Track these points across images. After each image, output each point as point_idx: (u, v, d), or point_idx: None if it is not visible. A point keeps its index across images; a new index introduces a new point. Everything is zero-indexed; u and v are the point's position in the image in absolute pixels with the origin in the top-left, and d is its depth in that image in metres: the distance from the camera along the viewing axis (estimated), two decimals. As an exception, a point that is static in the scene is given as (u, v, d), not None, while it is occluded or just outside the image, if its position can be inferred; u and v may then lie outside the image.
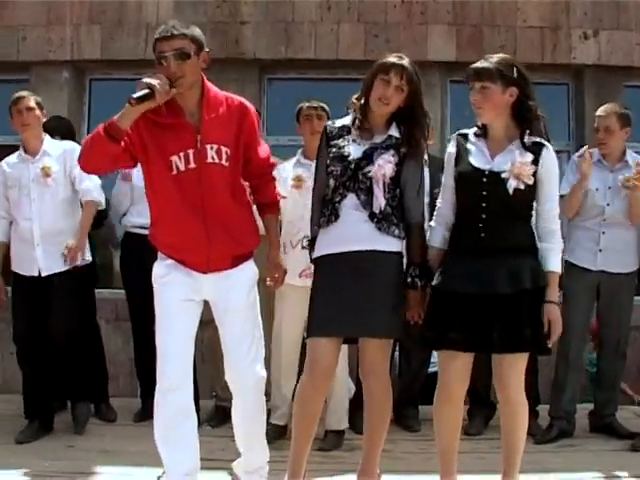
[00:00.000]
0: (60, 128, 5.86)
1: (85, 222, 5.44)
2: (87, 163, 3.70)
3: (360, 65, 7.15)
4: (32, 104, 5.28)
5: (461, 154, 3.84)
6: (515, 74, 3.71)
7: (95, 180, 5.41)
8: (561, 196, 5.20)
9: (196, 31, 3.65)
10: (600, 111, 5.31)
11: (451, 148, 3.91)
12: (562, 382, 5.37)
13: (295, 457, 3.91)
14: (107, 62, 7.42)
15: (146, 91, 3.42)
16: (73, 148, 5.38)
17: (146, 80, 3.46)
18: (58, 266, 5.31)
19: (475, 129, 3.88)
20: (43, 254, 5.27)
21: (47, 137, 5.44)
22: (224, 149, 3.70)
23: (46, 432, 5.35)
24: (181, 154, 3.64)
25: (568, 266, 5.39)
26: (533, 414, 5.47)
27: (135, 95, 3.42)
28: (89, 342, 5.78)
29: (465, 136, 3.89)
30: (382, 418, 3.95)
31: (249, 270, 3.90)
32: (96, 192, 5.47)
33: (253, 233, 3.91)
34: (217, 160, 3.69)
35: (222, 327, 3.90)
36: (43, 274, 5.28)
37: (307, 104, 5.23)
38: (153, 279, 3.86)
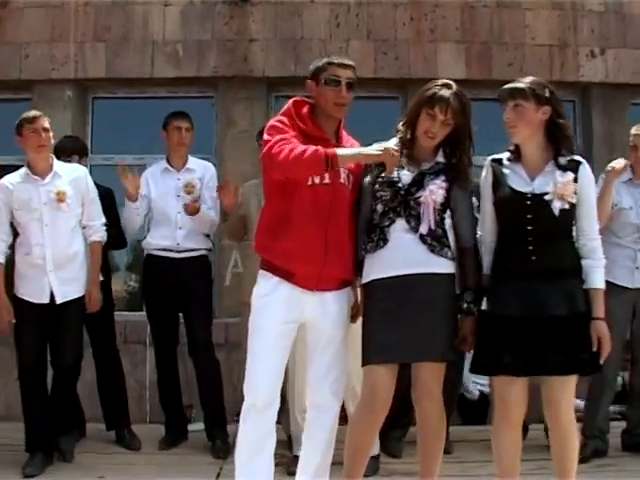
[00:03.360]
0: (76, 148, 5.72)
1: (97, 267, 5.32)
2: (291, 171, 3.65)
3: (369, 82, 7.16)
4: (47, 125, 5.11)
5: (499, 179, 3.81)
6: (547, 94, 3.72)
7: (102, 218, 5.33)
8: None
9: None
10: None
11: (486, 174, 3.88)
12: (597, 400, 5.32)
13: None
14: (112, 80, 7.29)
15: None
16: (85, 174, 5.29)
17: (388, 155, 3.62)
18: (73, 292, 5.14)
19: (508, 154, 3.87)
20: (57, 281, 5.06)
21: (54, 158, 5.25)
22: (350, 176, 3.84)
23: (49, 464, 5.13)
24: None
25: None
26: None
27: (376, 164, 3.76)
28: (109, 368, 5.65)
29: (499, 161, 3.87)
30: (437, 441, 3.88)
31: (349, 295, 3.92)
32: (102, 232, 5.34)
33: (355, 263, 3.93)
34: (346, 183, 3.82)
35: (316, 349, 3.87)
36: (58, 301, 5.07)
37: None
38: (253, 296, 3.83)
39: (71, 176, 5.19)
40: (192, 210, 5.40)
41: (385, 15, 7.24)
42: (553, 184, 3.66)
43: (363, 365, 3.84)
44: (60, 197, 5.07)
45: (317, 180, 3.73)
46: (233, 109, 7.17)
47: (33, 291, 5.08)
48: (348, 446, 3.89)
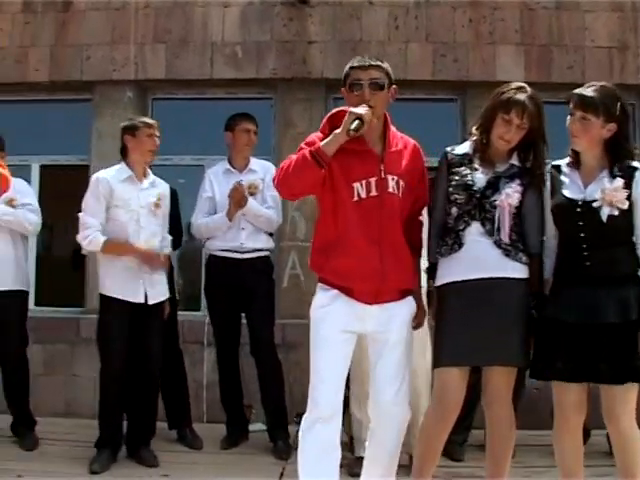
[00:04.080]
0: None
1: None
2: (290, 187, 3.68)
3: (428, 85, 7.15)
4: (158, 134, 5.30)
5: (555, 186, 3.83)
6: (618, 110, 3.68)
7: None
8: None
9: (389, 66, 3.74)
10: None
11: (547, 181, 3.86)
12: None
13: None
14: (171, 82, 7.32)
15: (358, 122, 3.48)
16: (167, 188, 5.44)
17: (356, 111, 3.51)
18: (160, 295, 5.29)
19: (568, 159, 3.86)
20: (149, 282, 5.21)
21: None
22: (401, 182, 3.74)
23: (114, 461, 5.22)
24: (363, 181, 3.67)
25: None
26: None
27: (352, 127, 3.48)
28: (173, 368, 5.70)
29: (558, 168, 3.88)
30: (506, 447, 3.90)
31: (410, 304, 3.84)
32: (170, 245, 5.54)
33: (416, 270, 3.89)
34: (396, 191, 3.72)
35: (378, 360, 3.79)
36: (150, 302, 5.20)
37: None
38: (312, 307, 3.79)
39: (162, 187, 5.41)
40: (238, 196, 5.46)
41: (444, 17, 7.18)
42: (601, 190, 3.65)
43: (435, 367, 3.87)
44: (158, 203, 5.27)
45: (363, 194, 3.67)
46: (292, 110, 7.18)
47: (128, 290, 5.20)
48: (419, 446, 3.92)
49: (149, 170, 5.39)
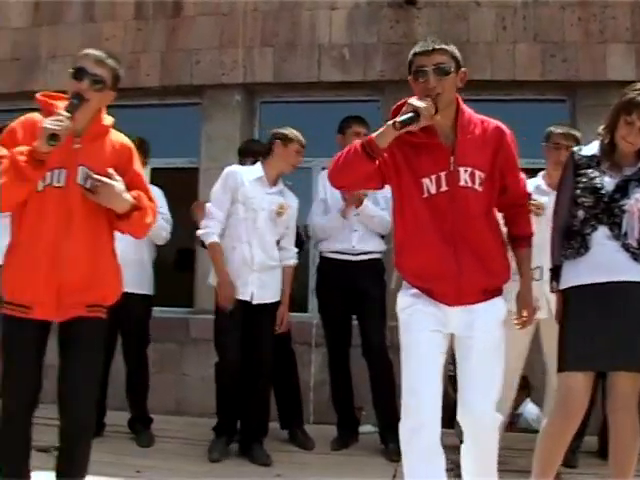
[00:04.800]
0: (262, 151, 5.76)
1: (289, 290, 5.54)
2: (339, 178, 3.52)
3: (537, 86, 7.06)
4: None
5: None
6: None
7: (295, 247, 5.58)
8: None
9: (455, 48, 3.49)
10: None
11: None
12: None
13: None
14: (279, 85, 7.42)
15: (410, 115, 3.24)
16: (296, 206, 5.54)
17: (414, 102, 3.27)
18: (268, 297, 5.35)
19: None
20: (258, 282, 5.28)
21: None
22: (477, 173, 3.47)
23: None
24: (432, 176, 3.44)
25: None
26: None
27: (400, 119, 3.23)
28: (285, 368, 5.75)
29: None
30: (630, 454, 3.80)
31: (499, 305, 3.60)
32: (296, 258, 5.59)
33: (506, 266, 3.63)
34: (470, 184, 3.46)
35: (464, 363, 3.57)
36: (254, 302, 5.28)
37: (559, 131, 4.96)
38: (398, 309, 3.63)
39: (289, 199, 5.50)
40: (355, 201, 5.49)
41: (553, 17, 7.08)
42: None
43: (559, 371, 3.81)
44: (280, 210, 5.35)
45: (433, 190, 3.44)
46: (400, 113, 7.16)
47: (238, 287, 5.29)
48: (541, 449, 3.86)
49: (281, 180, 5.50)
